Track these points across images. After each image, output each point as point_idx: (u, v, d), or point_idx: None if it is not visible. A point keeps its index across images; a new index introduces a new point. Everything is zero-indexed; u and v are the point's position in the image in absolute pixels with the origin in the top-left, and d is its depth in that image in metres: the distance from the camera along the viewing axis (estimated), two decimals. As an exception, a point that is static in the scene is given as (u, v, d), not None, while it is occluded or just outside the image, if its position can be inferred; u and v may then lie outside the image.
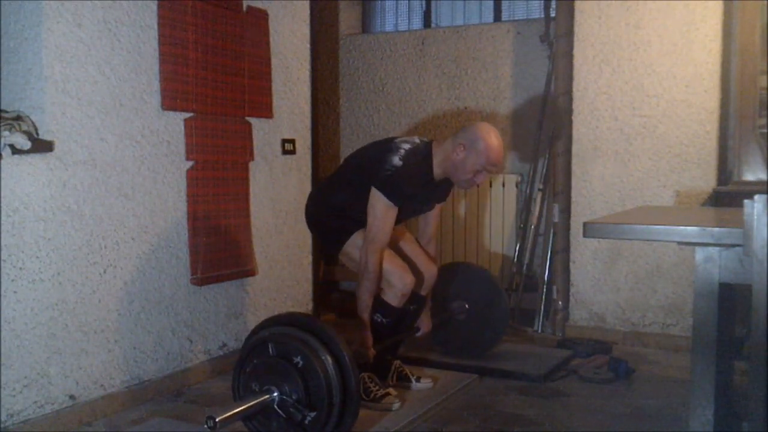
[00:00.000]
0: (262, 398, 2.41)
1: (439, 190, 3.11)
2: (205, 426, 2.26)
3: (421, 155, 2.93)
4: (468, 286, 3.62)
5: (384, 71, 5.33)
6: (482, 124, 2.96)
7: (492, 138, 2.88)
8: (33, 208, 2.67)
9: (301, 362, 2.39)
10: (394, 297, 3.01)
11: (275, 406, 2.41)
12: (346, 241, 3.04)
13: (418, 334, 3.32)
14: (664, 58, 3.94)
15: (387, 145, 2.95)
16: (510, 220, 4.75)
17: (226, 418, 2.30)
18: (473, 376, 3.39)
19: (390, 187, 2.84)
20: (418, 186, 2.93)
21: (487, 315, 3.59)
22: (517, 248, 4.64)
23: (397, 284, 2.98)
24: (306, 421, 2.39)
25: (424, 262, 3.21)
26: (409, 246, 3.21)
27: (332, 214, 3.09)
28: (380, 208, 2.86)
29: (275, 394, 2.41)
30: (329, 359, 2.40)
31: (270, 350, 2.45)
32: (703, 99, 3.86)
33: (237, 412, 2.36)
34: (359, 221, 2.98)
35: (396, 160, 2.86)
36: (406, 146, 2.92)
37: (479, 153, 2.86)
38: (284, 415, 2.40)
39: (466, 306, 3.61)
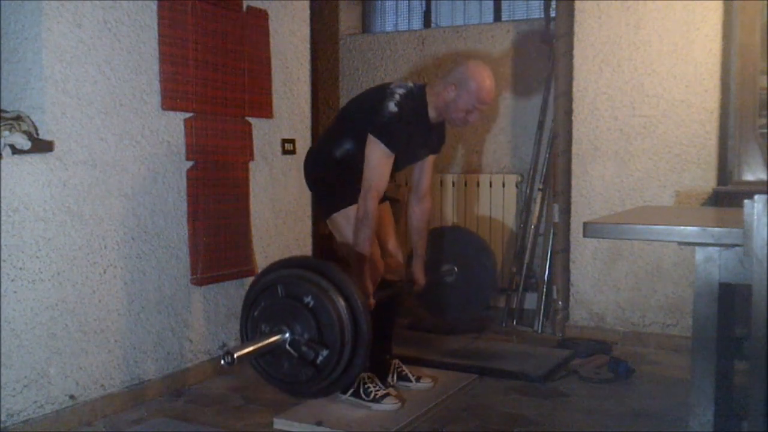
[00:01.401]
0: (276, 337, 2.43)
1: (435, 134, 3.08)
2: (222, 362, 2.30)
3: (416, 99, 2.93)
4: (457, 250, 3.61)
5: (384, 71, 5.33)
6: (473, 62, 2.93)
7: (482, 77, 2.86)
8: (33, 208, 2.67)
9: (312, 302, 2.41)
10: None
11: (287, 346, 2.43)
12: (341, 208, 2.99)
13: (414, 288, 3.29)
14: (664, 58, 3.94)
15: (382, 92, 2.92)
16: (510, 220, 4.75)
17: (242, 354, 2.34)
18: (473, 376, 3.39)
19: (387, 133, 2.83)
20: (415, 129, 2.92)
21: (476, 277, 3.58)
22: (517, 248, 4.64)
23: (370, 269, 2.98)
24: (318, 360, 2.41)
25: (392, 246, 3.19)
26: (383, 229, 3.16)
27: (335, 170, 3.03)
28: (377, 156, 2.84)
29: (287, 334, 2.43)
30: (340, 299, 2.42)
31: (279, 292, 2.47)
32: (703, 99, 3.86)
33: (253, 349, 2.39)
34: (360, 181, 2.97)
35: (392, 107, 2.84)
36: (401, 91, 2.90)
37: (470, 93, 2.85)
38: (296, 354, 2.42)
39: (455, 269, 3.60)
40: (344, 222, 2.98)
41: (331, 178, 3.05)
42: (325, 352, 2.40)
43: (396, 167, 2.95)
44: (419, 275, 3.29)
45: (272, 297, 2.49)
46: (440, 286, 3.61)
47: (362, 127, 2.89)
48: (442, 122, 3.05)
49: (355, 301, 2.44)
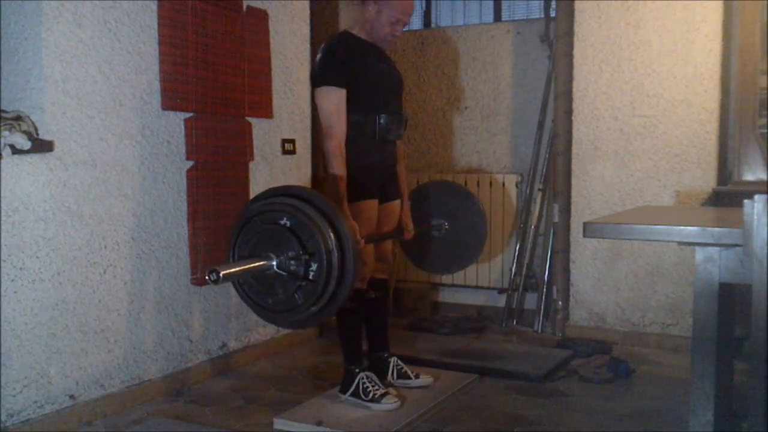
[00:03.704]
0: (263, 261, 2.49)
1: (384, 54, 3.10)
2: (207, 278, 2.35)
3: (340, 36, 3.00)
4: (447, 204, 3.60)
5: (384, 71, 5.32)
6: None
7: None
8: (33, 208, 2.67)
9: (288, 222, 2.48)
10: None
11: (276, 269, 2.49)
12: (353, 201, 2.93)
13: (403, 237, 3.25)
14: (664, 58, 3.94)
15: None
16: (510, 220, 4.75)
17: (228, 273, 2.39)
18: (473, 376, 3.39)
19: (324, 70, 2.89)
20: (357, 52, 2.94)
21: (465, 231, 3.57)
22: (517, 248, 4.64)
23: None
24: (310, 275, 2.46)
25: (383, 249, 3.19)
26: (383, 228, 3.14)
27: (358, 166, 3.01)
28: (325, 99, 2.88)
29: (273, 260, 2.50)
30: (313, 211, 2.48)
31: (257, 224, 2.54)
32: (703, 99, 3.86)
33: (240, 270, 2.45)
34: (376, 187, 3.00)
35: (318, 57, 2.93)
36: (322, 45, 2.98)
37: (390, 4, 2.91)
38: (286, 275, 2.47)
39: (445, 224, 3.57)
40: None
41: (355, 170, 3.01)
42: (314, 265, 2.45)
43: (381, 91, 2.98)
44: (407, 221, 3.25)
45: (250, 230, 2.56)
46: (432, 240, 3.59)
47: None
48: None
49: (327, 208, 2.50)
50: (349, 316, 2.99)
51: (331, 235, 2.47)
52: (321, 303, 2.51)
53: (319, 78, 2.91)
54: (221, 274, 2.35)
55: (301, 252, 2.46)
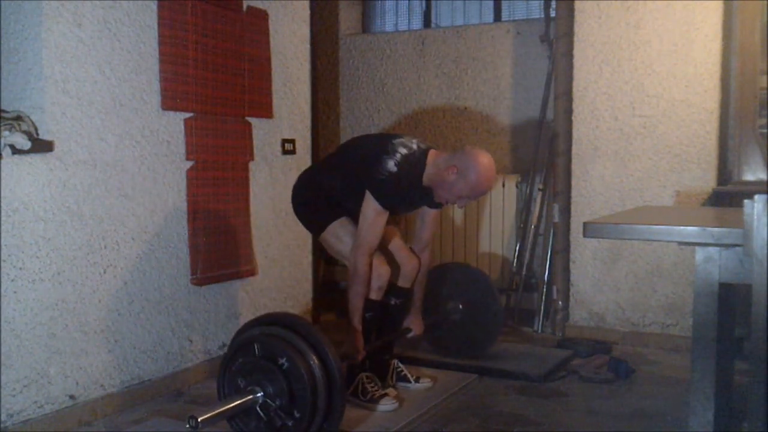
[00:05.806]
0: (245, 399, 2.41)
1: (429, 196, 3.05)
2: (187, 426, 2.26)
3: (415, 162, 2.90)
4: (462, 287, 3.62)
5: (384, 71, 5.33)
6: (481, 154, 2.86)
7: (485, 171, 2.83)
8: (33, 208, 2.67)
9: (286, 364, 2.38)
10: (371, 290, 3.03)
11: (257, 408, 2.41)
12: (326, 227, 3.05)
13: (410, 335, 3.31)
14: (664, 58, 3.94)
15: (385, 145, 2.91)
16: (510, 220, 4.75)
17: (207, 418, 2.30)
18: (473, 376, 3.39)
19: (382, 192, 2.85)
20: (407, 192, 2.93)
21: (481, 315, 3.59)
22: (517, 248, 4.64)
23: (373, 277, 3.00)
24: (289, 423, 2.39)
25: (404, 255, 3.21)
26: (389, 239, 3.19)
27: (320, 197, 3.08)
28: (371, 213, 2.87)
29: (259, 395, 2.41)
30: (316, 363, 2.38)
31: (255, 350, 2.45)
32: (703, 99, 3.86)
33: (219, 412, 2.36)
34: (345, 208, 3.02)
35: (391, 165, 2.84)
36: (403, 151, 2.88)
37: (468, 182, 2.82)
38: (265, 418, 2.41)
39: (460, 306, 3.60)
40: (333, 239, 3.05)
41: (319, 202, 3.09)
42: (291, 422, 2.37)
43: (391, 215, 2.99)
44: (416, 325, 3.31)
45: (249, 354, 2.46)
46: (444, 323, 3.61)
47: (358, 173, 2.91)
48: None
49: (331, 368, 2.39)
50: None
51: (325, 395, 2.37)
52: None
53: (376, 189, 2.85)
54: (199, 420, 2.25)
55: (287, 405, 2.37)
